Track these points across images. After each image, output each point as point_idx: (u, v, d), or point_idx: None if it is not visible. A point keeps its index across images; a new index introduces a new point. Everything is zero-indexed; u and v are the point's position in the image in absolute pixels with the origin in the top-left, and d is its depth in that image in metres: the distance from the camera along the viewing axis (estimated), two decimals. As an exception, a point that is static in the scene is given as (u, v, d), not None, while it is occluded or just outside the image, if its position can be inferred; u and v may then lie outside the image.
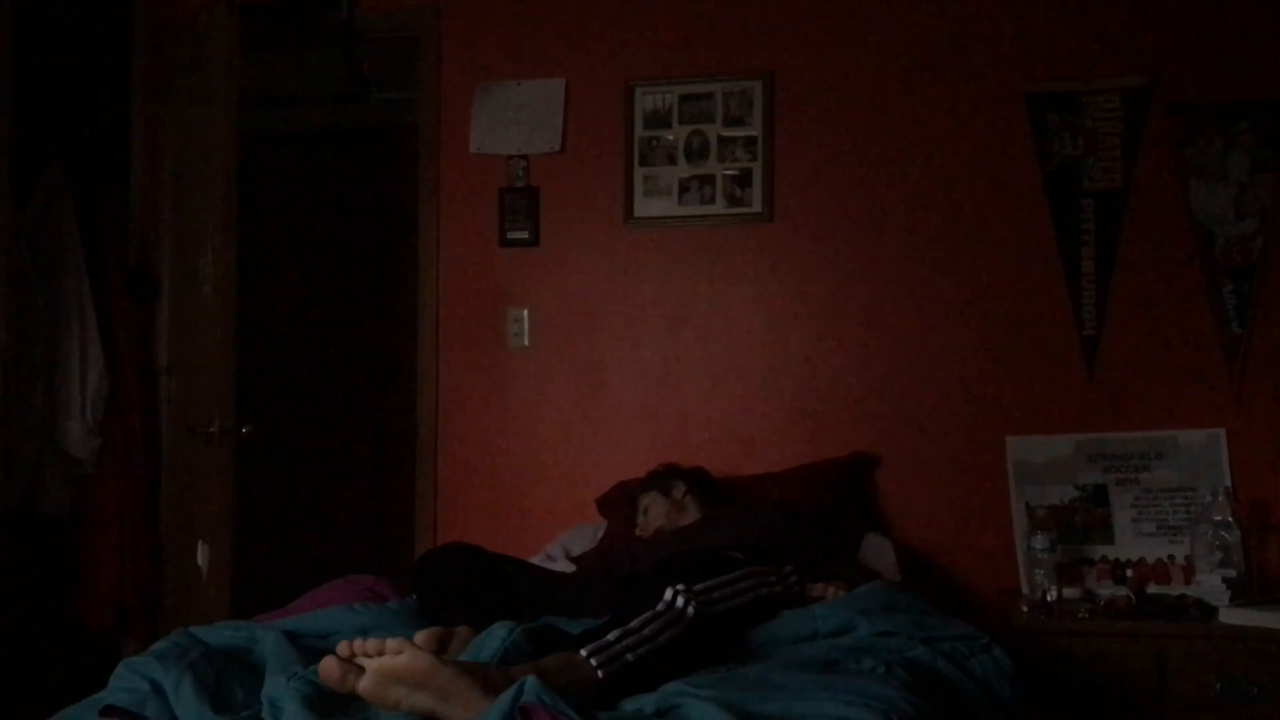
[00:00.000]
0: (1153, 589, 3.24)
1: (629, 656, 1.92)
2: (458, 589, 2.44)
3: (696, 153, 3.72)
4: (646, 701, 1.84)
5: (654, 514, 3.20)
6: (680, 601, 2.05)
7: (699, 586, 2.14)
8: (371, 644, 1.83)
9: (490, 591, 2.46)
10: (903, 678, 2.03)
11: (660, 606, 2.03)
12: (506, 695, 1.69)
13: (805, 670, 2.03)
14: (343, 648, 1.86)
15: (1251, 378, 3.38)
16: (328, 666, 1.84)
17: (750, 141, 3.68)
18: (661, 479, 3.30)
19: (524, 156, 3.83)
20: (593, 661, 1.89)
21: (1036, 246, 3.51)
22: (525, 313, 3.83)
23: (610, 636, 1.94)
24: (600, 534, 3.45)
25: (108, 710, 1.93)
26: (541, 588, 2.54)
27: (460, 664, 1.83)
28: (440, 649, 2.07)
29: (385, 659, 1.79)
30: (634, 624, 1.98)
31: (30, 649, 3.54)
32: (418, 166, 3.96)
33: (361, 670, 1.81)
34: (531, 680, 1.71)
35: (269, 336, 4.94)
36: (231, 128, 3.63)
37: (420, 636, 2.07)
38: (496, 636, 2.02)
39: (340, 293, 5.18)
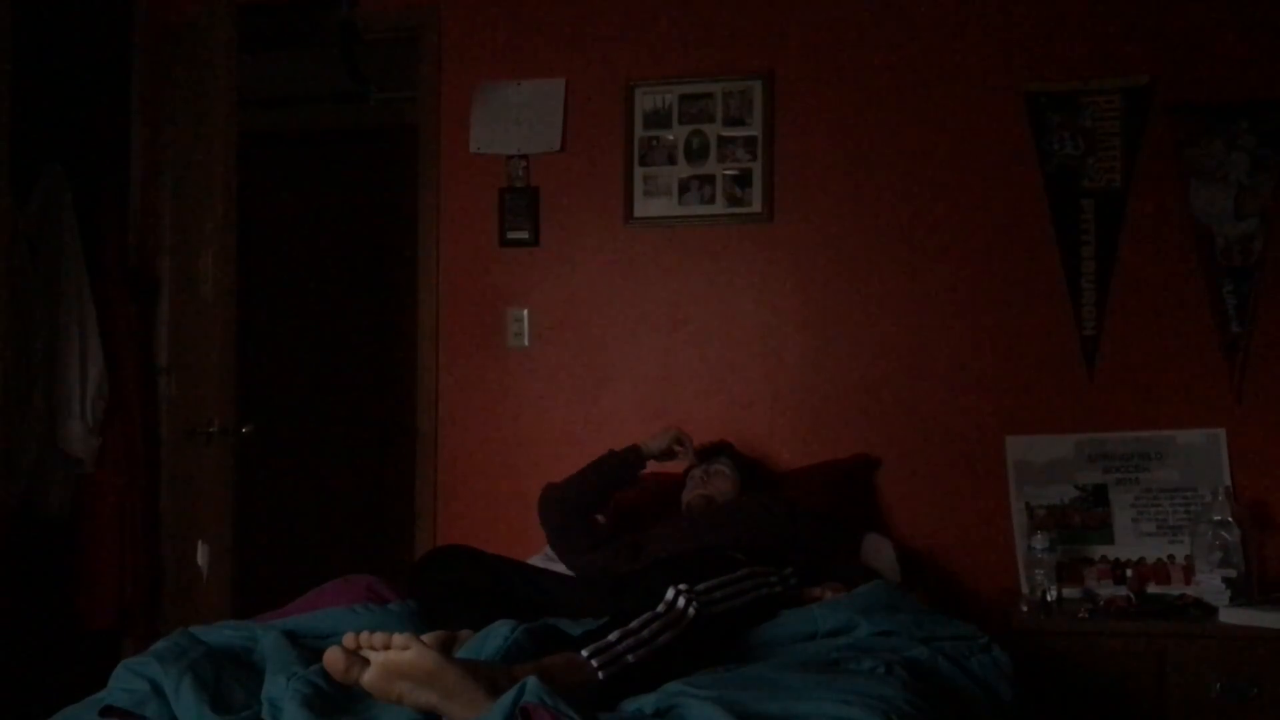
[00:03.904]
0: (1153, 589, 3.24)
1: (629, 658, 1.93)
2: (456, 592, 2.45)
3: (696, 153, 3.71)
4: (646, 701, 1.84)
5: (720, 483, 3.23)
6: (681, 602, 2.05)
7: (700, 586, 2.14)
8: (378, 637, 1.83)
9: (489, 594, 2.46)
10: (903, 677, 2.03)
11: (661, 607, 2.03)
12: (508, 696, 1.70)
13: (805, 670, 2.03)
14: (349, 639, 1.86)
15: (1251, 378, 3.38)
16: (333, 656, 1.84)
17: (750, 141, 3.68)
18: (736, 457, 3.36)
19: (524, 156, 3.83)
20: (594, 662, 1.89)
21: (1036, 246, 3.51)
22: (525, 313, 3.83)
23: (611, 637, 1.94)
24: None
25: (108, 710, 1.93)
26: (540, 589, 2.54)
27: (465, 663, 1.83)
28: (445, 649, 2.07)
29: (391, 654, 1.80)
30: (634, 624, 1.98)
31: (30, 649, 3.54)
32: (418, 166, 3.96)
33: (366, 662, 1.82)
34: (533, 681, 1.71)
35: (269, 336, 4.95)
36: (231, 128, 3.63)
37: (428, 639, 2.08)
38: (499, 635, 2.02)
39: (340, 292, 5.18)
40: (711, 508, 3.15)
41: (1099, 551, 3.37)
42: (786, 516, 3.03)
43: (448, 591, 2.45)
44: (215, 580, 3.58)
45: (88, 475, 3.74)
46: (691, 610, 2.05)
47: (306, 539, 5.01)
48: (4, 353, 3.42)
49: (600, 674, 1.88)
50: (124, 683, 1.97)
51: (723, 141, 3.70)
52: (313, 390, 5.18)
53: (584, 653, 1.91)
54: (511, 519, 3.77)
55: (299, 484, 5.13)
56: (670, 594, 2.06)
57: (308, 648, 2.14)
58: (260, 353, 4.72)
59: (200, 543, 3.59)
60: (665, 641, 1.99)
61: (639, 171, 3.75)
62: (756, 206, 3.68)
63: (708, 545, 2.70)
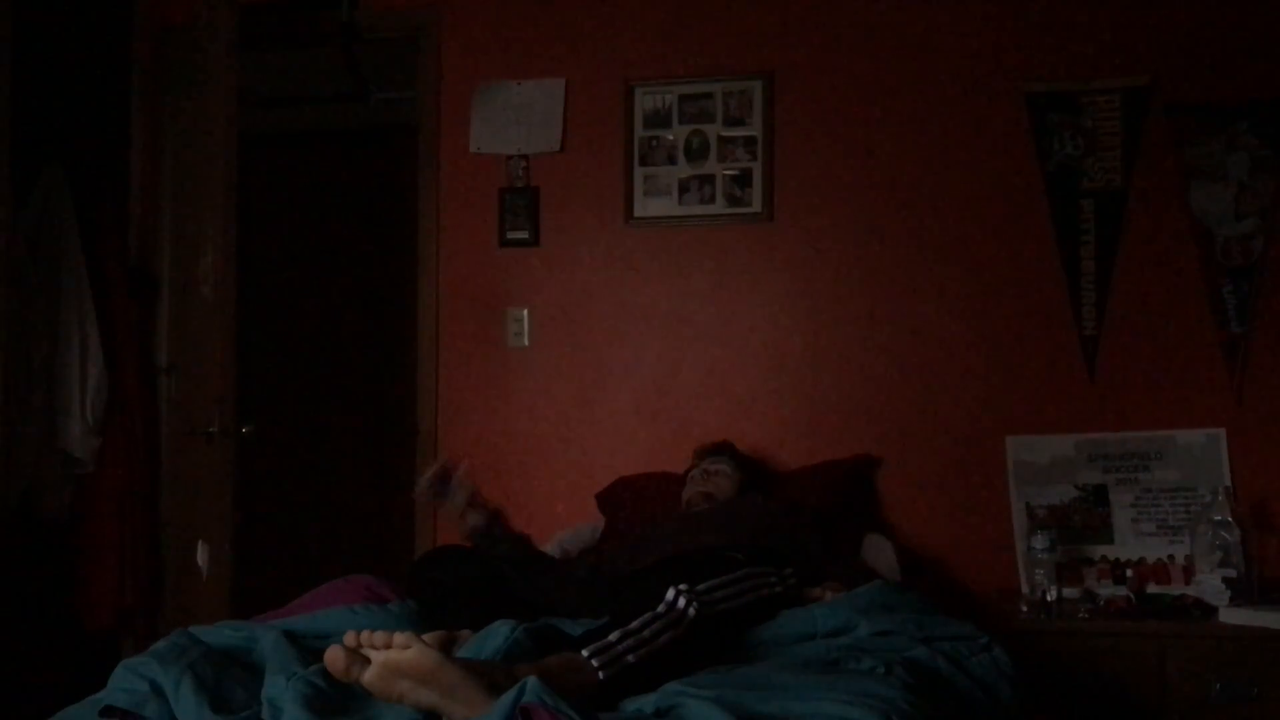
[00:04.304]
0: (1153, 589, 3.24)
1: (630, 658, 1.93)
2: (455, 591, 2.44)
3: (696, 153, 3.72)
4: (646, 702, 1.84)
5: (720, 482, 3.22)
6: (682, 602, 2.05)
7: (701, 587, 2.14)
8: (379, 636, 1.83)
9: (488, 593, 2.45)
10: (903, 677, 2.03)
11: (661, 608, 2.03)
12: (508, 695, 1.70)
13: (805, 670, 2.03)
14: (349, 638, 1.86)
15: (1251, 378, 3.38)
16: (334, 655, 1.84)
17: (750, 141, 3.68)
18: (737, 457, 3.35)
19: (524, 156, 3.83)
20: (594, 662, 1.89)
21: (1036, 246, 3.51)
22: (525, 313, 3.83)
23: (611, 637, 1.94)
24: (599, 532, 3.45)
25: (107, 710, 1.93)
26: (539, 588, 2.54)
27: (466, 663, 1.83)
28: (445, 649, 2.07)
29: (392, 653, 1.80)
30: (635, 625, 1.98)
31: (30, 649, 3.54)
32: (418, 166, 3.96)
33: (367, 661, 1.82)
34: (533, 680, 1.71)
35: (269, 336, 4.95)
36: (231, 128, 3.63)
37: (428, 639, 2.08)
38: (499, 635, 2.02)
39: (340, 293, 5.18)
40: (711, 505, 3.14)
41: (1099, 551, 3.37)
42: (786, 517, 3.02)
43: (447, 591, 2.45)
44: (215, 580, 3.58)
45: (88, 475, 3.74)
46: (692, 611, 2.05)
47: (306, 539, 5.01)
48: (4, 353, 3.42)
49: (600, 674, 1.88)
50: (124, 683, 1.97)
51: (723, 141, 3.70)
52: (313, 390, 5.17)
53: (584, 653, 1.91)
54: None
55: (299, 484, 5.13)
56: (671, 594, 2.06)
57: (308, 648, 2.14)
58: (260, 353, 4.72)
59: (200, 543, 3.59)
60: (666, 642, 1.98)
61: (639, 171, 3.75)
62: (756, 206, 3.68)
63: (707, 545, 2.69)
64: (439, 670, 1.77)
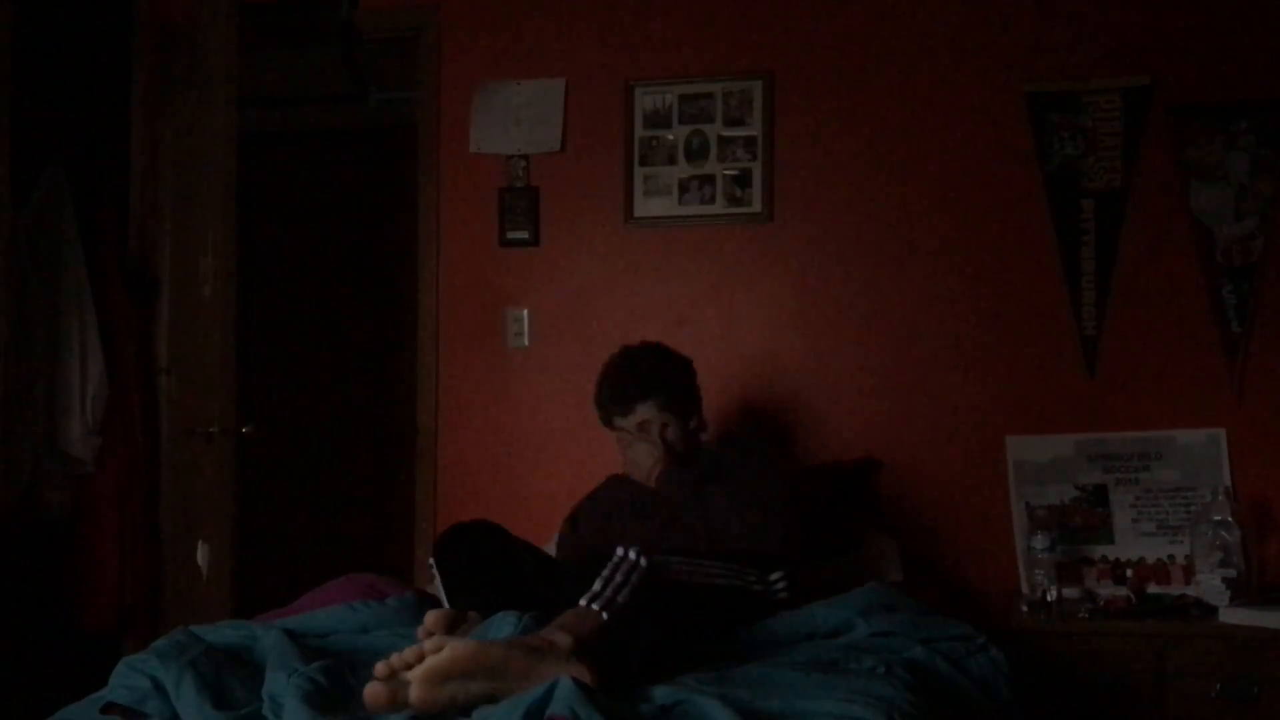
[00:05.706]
0: (1153, 589, 3.24)
1: (619, 598, 2.01)
2: (479, 567, 2.43)
3: (696, 152, 3.72)
4: (659, 693, 1.85)
5: (641, 453, 3.03)
6: (633, 555, 2.10)
7: (659, 557, 2.17)
8: (410, 653, 1.82)
9: (505, 576, 2.44)
10: (903, 677, 2.04)
11: (615, 559, 2.09)
12: (532, 697, 1.69)
13: (806, 669, 2.04)
14: (381, 669, 1.83)
15: (1251, 378, 3.38)
16: (374, 693, 1.80)
17: (750, 141, 3.68)
18: (659, 391, 3.05)
19: (524, 156, 3.83)
20: (594, 606, 1.98)
21: (1036, 246, 3.51)
22: (525, 313, 3.83)
23: (596, 587, 2.03)
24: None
25: (109, 708, 1.94)
26: (549, 578, 2.54)
27: (499, 641, 1.86)
28: (450, 630, 2.09)
29: (429, 661, 1.78)
30: (605, 573, 2.06)
31: (30, 649, 3.54)
32: (418, 166, 3.96)
33: (408, 684, 1.79)
34: (565, 683, 1.70)
35: (269, 336, 4.95)
36: (231, 128, 3.63)
37: (430, 617, 2.11)
38: (507, 624, 2.05)
39: (340, 293, 5.18)
40: (672, 483, 3.00)
41: (1099, 551, 3.37)
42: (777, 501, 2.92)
43: (470, 566, 2.42)
44: (215, 580, 3.58)
45: (88, 475, 3.73)
46: (643, 562, 2.08)
47: (306, 539, 5.01)
48: (4, 353, 3.42)
49: (603, 615, 1.97)
50: (125, 680, 1.98)
51: (723, 141, 3.70)
52: (313, 390, 5.17)
53: (582, 602, 2.00)
54: (511, 518, 3.74)
55: (299, 484, 5.13)
56: (620, 551, 2.10)
57: (308, 646, 2.14)
58: (260, 353, 4.72)
59: (200, 543, 3.59)
60: (636, 583, 2.04)
61: (639, 171, 3.75)
62: (756, 206, 3.68)
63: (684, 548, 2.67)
64: (481, 655, 1.78)
